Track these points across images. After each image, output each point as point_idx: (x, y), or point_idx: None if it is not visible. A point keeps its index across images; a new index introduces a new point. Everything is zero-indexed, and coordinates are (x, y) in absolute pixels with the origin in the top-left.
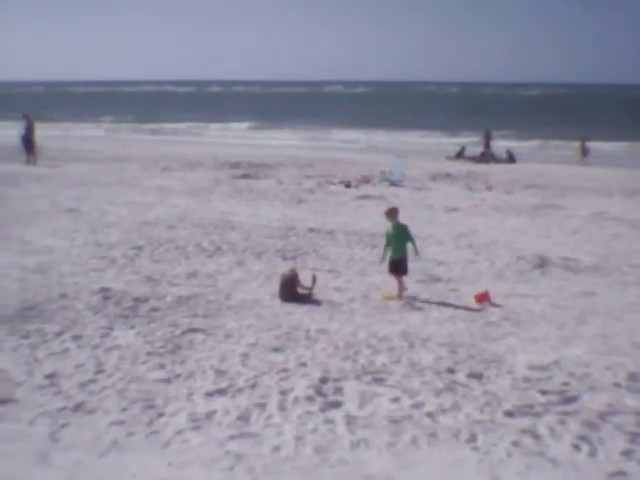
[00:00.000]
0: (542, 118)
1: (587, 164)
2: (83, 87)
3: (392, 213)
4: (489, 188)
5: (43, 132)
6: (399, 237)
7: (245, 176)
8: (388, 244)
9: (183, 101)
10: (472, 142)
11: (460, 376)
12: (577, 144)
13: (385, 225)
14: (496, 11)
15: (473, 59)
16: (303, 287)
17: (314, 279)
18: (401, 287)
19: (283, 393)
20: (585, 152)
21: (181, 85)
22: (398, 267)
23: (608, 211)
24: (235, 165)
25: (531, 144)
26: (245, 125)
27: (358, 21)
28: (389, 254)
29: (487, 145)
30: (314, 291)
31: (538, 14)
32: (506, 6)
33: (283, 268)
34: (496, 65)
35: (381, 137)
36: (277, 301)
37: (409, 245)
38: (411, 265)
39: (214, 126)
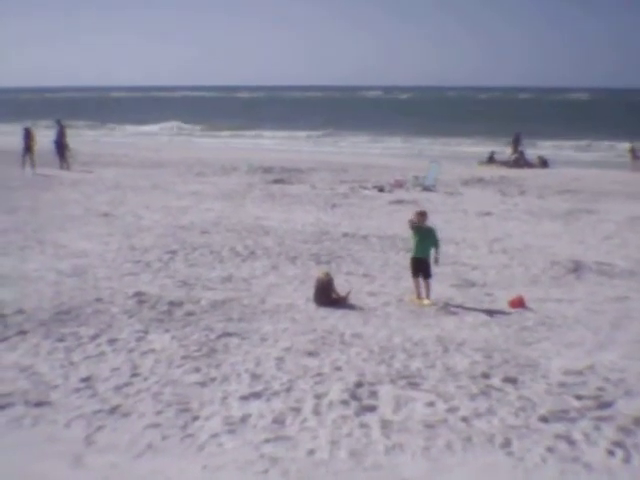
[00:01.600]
0: (584, 123)
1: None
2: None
3: (421, 216)
4: (522, 193)
5: (77, 137)
6: (426, 240)
7: (278, 181)
8: (415, 244)
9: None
10: (502, 147)
11: (495, 381)
12: (628, 148)
13: (408, 231)
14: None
15: (507, 63)
16: (338, 295)
17: (349, 292)
18: (428, 290)
19: (318, 397)
20: (636, 156)
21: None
22: (421, 267)
23: None
24: (268, 170)
25: (575, 146)
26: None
27: (392, 26)
28: (412, 253)
29: (516, 149)
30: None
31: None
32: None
33: (318, 272)
34: (534, 69)
35: (416, 144)
36: (312, 305)
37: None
38: (445, 269)
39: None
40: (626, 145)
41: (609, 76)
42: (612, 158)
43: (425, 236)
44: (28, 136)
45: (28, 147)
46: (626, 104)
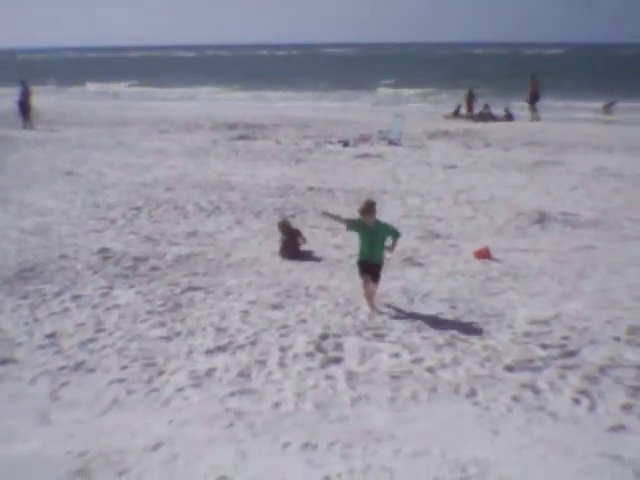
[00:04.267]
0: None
1: (610, 123)
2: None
3: (369, 210)
4: (487, 145)
5: (40, 97)
6: (376, 238)
7: (242, 137)
8: (365, 242)
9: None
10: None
11: (460, 331)
12: (601, 106)
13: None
14: None
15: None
16: (304, 239)
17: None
18: (375, 294)
19: (283, 350)
20: (609, 111)
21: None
22: (375, 271)
23: (608, 167)
24: (232, 127)
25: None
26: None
27: None
28: (363, 253)
29: (470, 107)
30: (312, 248)
31: None
32: None
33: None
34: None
35: (378, 97)
36: (277, 259)
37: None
38: (410, 222)
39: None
40: (598, 105)
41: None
42: (582, 114)
43: (373, 234)
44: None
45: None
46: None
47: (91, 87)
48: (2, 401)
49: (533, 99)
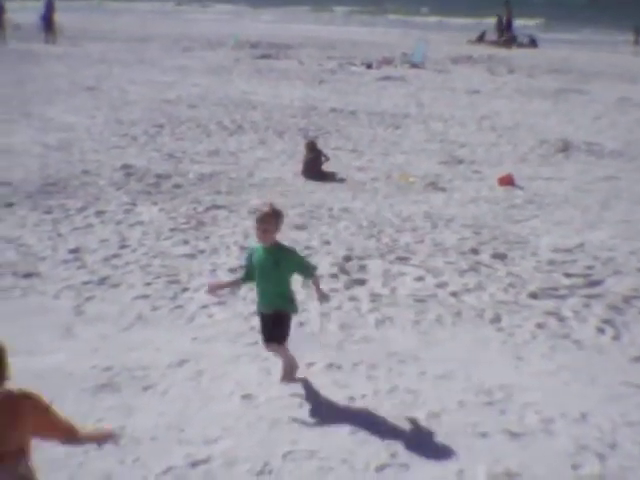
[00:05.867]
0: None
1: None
2: None
3: (264, 220)
4: (511, 72)
5: (63, 12)
6: (277, 270)
7: (266, 56)
8: (250, 278)
9: None
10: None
11: (484, 257)
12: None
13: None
14: None
15: None
16: (326, 157)
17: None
18: (287, 364)
19: None
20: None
21: None
22: (274, 326)
23: (632, 97)
24: (255, 45)
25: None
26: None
27: None
28: (258, 299)
29: (502, 33)
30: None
31: None
32: None
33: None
34: None
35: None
36: (300, 180)
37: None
38: (433, 146)
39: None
40: (629, 37)
41: None
42: (610, 45)
43: (273, 264)
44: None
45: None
46: None
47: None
48: (27, 314)
49: (508, 26)
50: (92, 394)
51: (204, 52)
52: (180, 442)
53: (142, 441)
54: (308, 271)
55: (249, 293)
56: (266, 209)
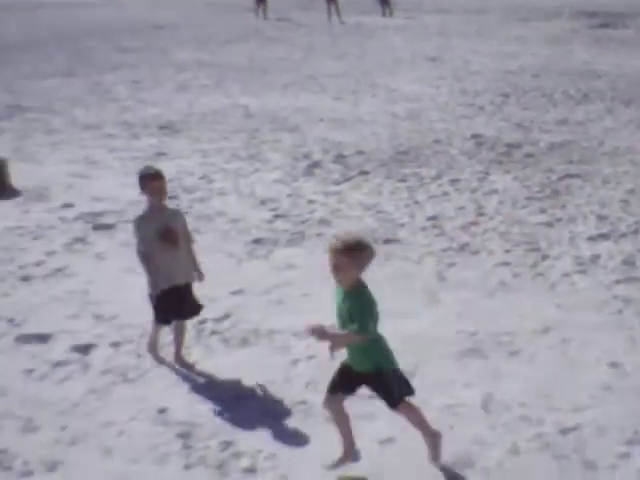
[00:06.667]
0: None
1: None
2: None
3: (335, 256)
4: None
5: None
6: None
7: (604, 25)
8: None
9: None
10: None
11: None
12: None
13: None
14: None
15: None
16: None
17: None
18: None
19: None
20: None
21: None
22: (378, 392)
23: None
24: (592, 15)
25: None
26: None
27: None
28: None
29: None
30: None
31: None
32: None
33: None
34: None
35: None
36: None
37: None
38: None
39: None
40: None
41: None
42: None
43: (347, 314)
44: None
45: None
46: None
47: None
48: (393, 279)
49: None
50: (457, 359)
51: (539, 22)
52: (549, 409)
53: (511, 407)
54: (352, 325)
55: (609, 262)
56: (333, 242)
